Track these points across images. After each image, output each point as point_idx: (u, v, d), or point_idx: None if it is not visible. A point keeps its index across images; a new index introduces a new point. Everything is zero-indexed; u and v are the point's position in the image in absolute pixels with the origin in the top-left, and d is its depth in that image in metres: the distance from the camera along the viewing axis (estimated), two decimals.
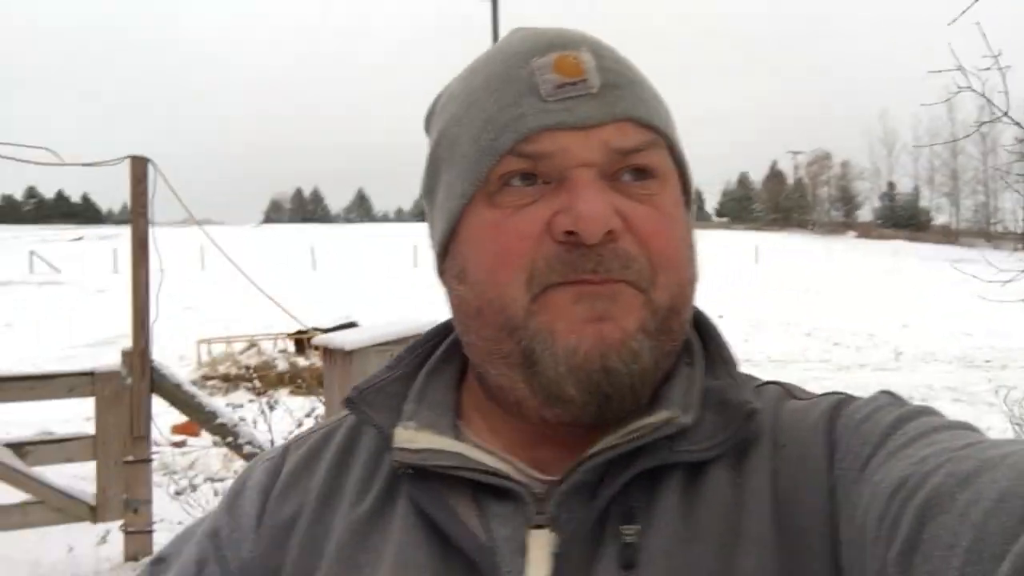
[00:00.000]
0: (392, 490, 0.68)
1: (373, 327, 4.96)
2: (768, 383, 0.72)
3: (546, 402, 0.63)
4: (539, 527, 0.63)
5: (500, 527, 0.64)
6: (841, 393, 0.68)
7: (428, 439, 0.67)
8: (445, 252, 0.70)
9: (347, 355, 4.12)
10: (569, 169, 0.63)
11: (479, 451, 0.67)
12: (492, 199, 0.65)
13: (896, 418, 0.60)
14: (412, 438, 0.67)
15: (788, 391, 0.70)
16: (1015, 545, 0.43)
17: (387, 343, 4.12)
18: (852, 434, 0.61)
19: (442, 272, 0.71)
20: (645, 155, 0.65)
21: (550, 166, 0.63)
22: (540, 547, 0.62)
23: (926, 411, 0.61)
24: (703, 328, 0.73)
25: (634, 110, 0.65)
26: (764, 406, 0.67)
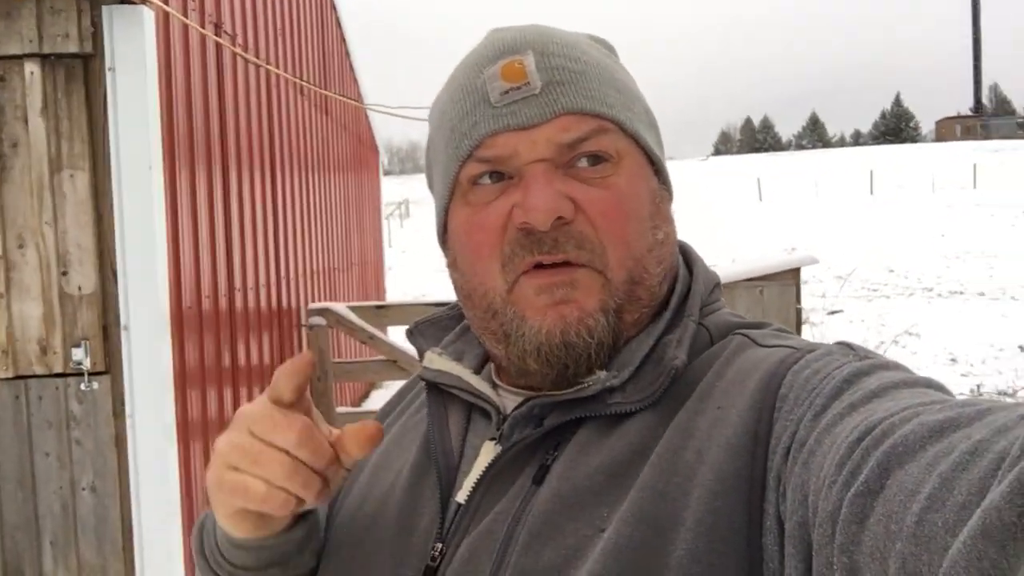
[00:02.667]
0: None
1: (746, 260, 4.85)
2: (738, 332, 0.76)
3: (518, 371, 0.77)
4: (493, 440, 0.75)
5: (474, 438, 0.77)
6: (802, 344, 0.72)
7: (442, 363, 0.82)
8: (444, 244, 0.81)
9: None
10: (524, 166, 0.72)
11: (475, 378, 0.80)
12: (466, 198, 0.75)
13: (853, 371, 0.62)
14: (432, 360, 0.83)
15: (754, 340, 0.74)
16: (984, 499, 0.42)
17: (753, 279, 4.03)
18: (803, 385, 0.64)
19: (446, 260, 0.82)
20: (592, 142, 0.72)
21: (508, 164, 0.72)
22: (487, 455, 0.74)
23: (884, 365, 0.64)
24: (691, 272, 0.81)
25: (574, 104, 0.72)
26: (709, 357, 0.73)
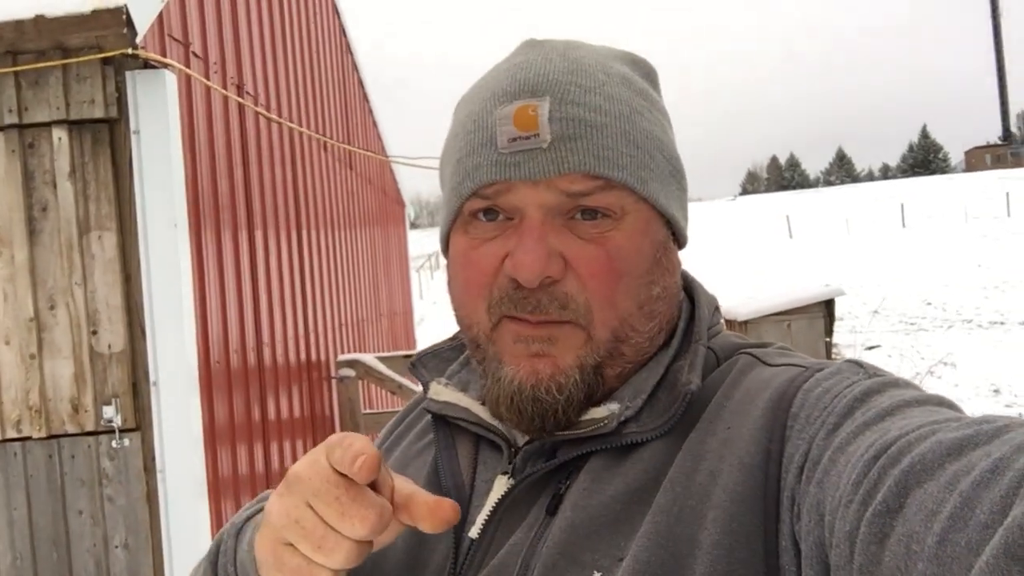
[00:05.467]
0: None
1: (768, 297, 4.83)
2: (743, 352, 0.75)
3: (494, 413, 0.76)
4: (505, 474, 0.74)
5: (484, 471, 0.76)
6: (810, 363, 0.71)
7: (449, 394, 0.81)
8: (447, 257, 0.81)
9: (743, 324, 4.09)
10: (523, 209, 0.71)
11: (484, 409, 0.78)
12: (466, 228, 0.75)
13: (864, 390, 0.62)
14: (439, 392, 0.81)
15: (759, 359, 0.73)
16: (1006, 518, 0.41)
17: (780, 313, 4.03)
18: (814, 404, 0.63)
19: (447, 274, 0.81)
20: (594, 198, 0.70)
21: (507, 205, 0.72)
22: (499, 489, 0.73)
23: (894, 383, 0.63)
24: (694, 302, 0.80)
25: (582, 163, 0.69)
26: (717, 379, 0.72)
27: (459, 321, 0.78)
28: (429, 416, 0.84)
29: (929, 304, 16.94)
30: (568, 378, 0.71)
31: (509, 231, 0.72)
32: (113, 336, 3.37)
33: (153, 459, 3.39)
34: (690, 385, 0.70)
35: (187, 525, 3.44)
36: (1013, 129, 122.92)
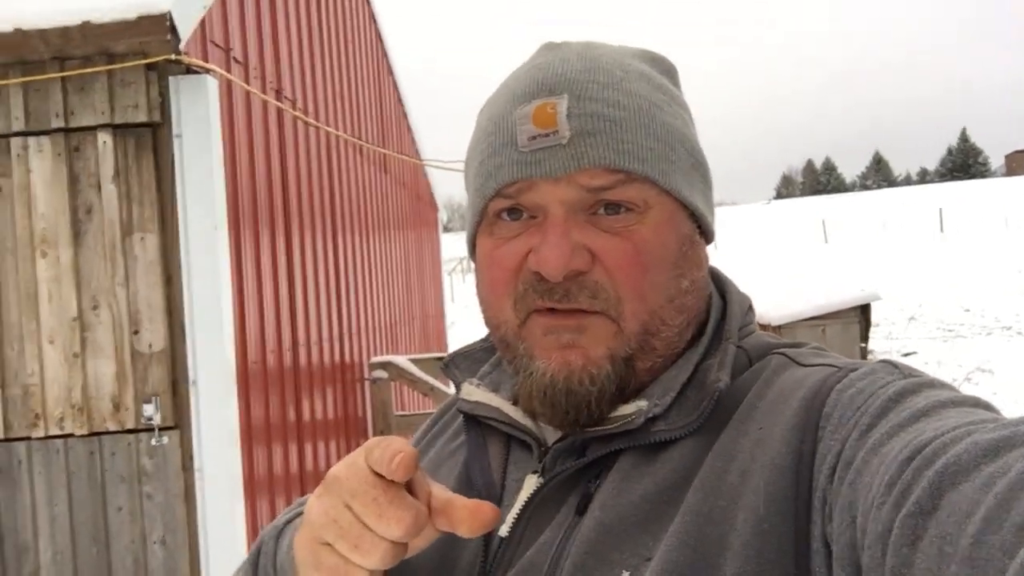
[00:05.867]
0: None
1: (803, 301, 4.80)
2: (776, 352, 0.75)
3: (526, 409, 0.76)
4: (535, 472, 0.74)
5: (515, 470, 0.77)
6: (844, 363, 0.70)
7: (480, 395, 0.81)
8: (474, 260, 0.81)
9: (776, 328, 4.06)
10: (545, 206, 0.71)
11: (516, 409, 0.78)
12: (491, 229, 0.76)
13: (899, 391, 0.61)
14: (470, 392, 0.82)
15: (793, 359, 0.73)
16: None
17: (814, 317, 4.02)
18: (848, 404, 0.63)
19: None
20: (616, 191, 0.71)
21: (530, 204, 0.72)
22: (529, 488, 0.73)
23: (929, 383, 0.62)
24: (725, 300, 0.80)
25: (602, 157, 0.70)
26: (750, 379, 0.72)
27: (487, 322, 0.78)
28: (462, 417, 0.84)
29: (967, 311, 16.65)
30: (600, 369, 0.70)
31: (532, 229, 0.72)
32: (154, 336, 3.44)
33: (191, 457, 3.45)
34: (719, 383, 0.70)
35: (223, 522, 3.49)
36: None
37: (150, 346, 3.44)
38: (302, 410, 4.71)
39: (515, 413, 0.78)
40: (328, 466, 5.11)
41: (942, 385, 0.62)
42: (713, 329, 0.77)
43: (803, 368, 0.71)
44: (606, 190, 0.70)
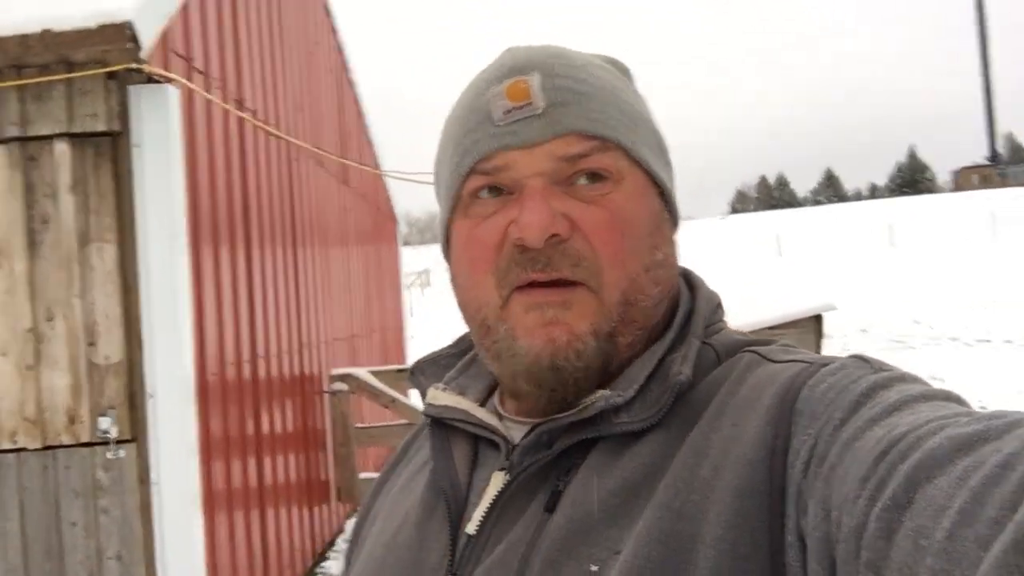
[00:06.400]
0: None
1: (758, 310, 4.90)
2: (746, 349, 0.75)
3: (511, 393, 0.78)
4: (502, 470, 0.75)
5: (482, 470, 0.77)
6: (815, 358, 0.71)
7: (446, 398, 0.82)
8: (448, 258, 0.82)
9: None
10: (522, 179, 0.72)
11: (482, 410, 0.80)
12: (466, 211, 0.76)
13: (871, 385, 0.61)
14: (436, 396, 0.83)
15: (764, 356, 0.73)
16: (1016, 513, 0.42)
17: (772, 327, 4.14)
18: (820, 399, 0.63)
19: (449, 275, 0.82)
20: (593, 159, 0.72)
21: (507, 178, 0.73)
22: (495, 487, 0.73)
23: (901, 377, 0.63)
24: (693, 293, 0.81)
25: (576, 124, 0.72)
26: (720, 376, 0.72)
27: (466, 308, 0.78)
28: (428, 431, 0.84)
29: (917, 323, 17.05)
30: (586, 345, 0.71)
31: (510, 204, 0.73)
32: (111, 347, 3.39)
33: (148, 471, 3.39)
34: (680, 376, 0.70)
35: (181, 537, 3.44)
36: (1000, 150, 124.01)
37: (107, 358, 3.39)
38: (261, 423, 4.66)
39: (481, 414, 0.79)
40: (288, 479, 5.07)
41: (913, 379, 0.63)
42: (680, 324, 0.77)
43: (774, 364, 0.71)
44: (582, 158, 0.72)
